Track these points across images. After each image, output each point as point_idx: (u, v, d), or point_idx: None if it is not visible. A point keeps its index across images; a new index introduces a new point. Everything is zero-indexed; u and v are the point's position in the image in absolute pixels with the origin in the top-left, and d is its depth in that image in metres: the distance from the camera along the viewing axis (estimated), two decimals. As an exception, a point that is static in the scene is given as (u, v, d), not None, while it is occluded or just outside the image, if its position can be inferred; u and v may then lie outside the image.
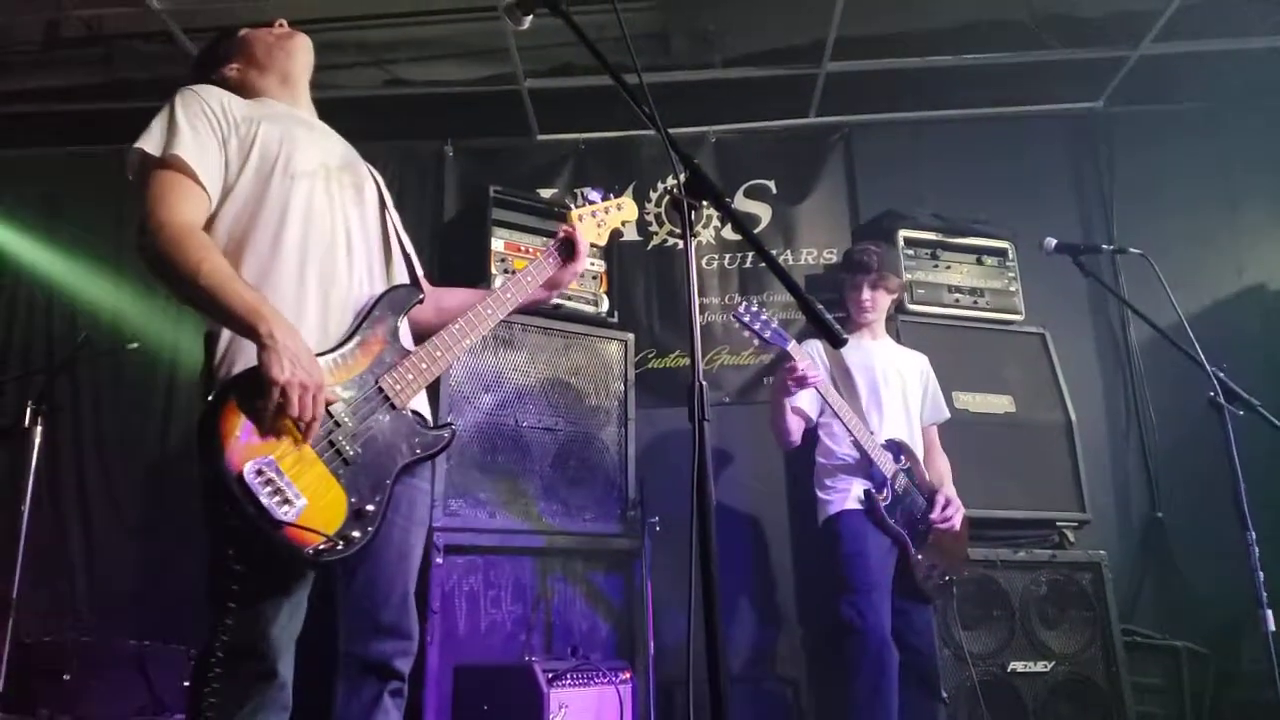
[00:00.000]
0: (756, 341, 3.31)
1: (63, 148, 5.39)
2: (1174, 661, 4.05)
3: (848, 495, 3.48)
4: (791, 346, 3.32)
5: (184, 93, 2.08)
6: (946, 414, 3.87)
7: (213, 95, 2.10)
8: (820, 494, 3.59)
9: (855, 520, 3.44)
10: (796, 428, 3.61)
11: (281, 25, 2.39)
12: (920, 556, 3.47)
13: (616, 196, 2.64)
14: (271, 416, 1.79)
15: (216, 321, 1.92)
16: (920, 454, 3.68)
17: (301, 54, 2.36)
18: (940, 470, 3.76)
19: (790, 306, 5.06)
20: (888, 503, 3.43)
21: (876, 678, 3.21)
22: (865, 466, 3.48)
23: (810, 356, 3.53)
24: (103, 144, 5.29)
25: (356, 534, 1.85)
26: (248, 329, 1.83)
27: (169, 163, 1.96)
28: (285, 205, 2.05)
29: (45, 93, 5.01)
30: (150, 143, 1.99)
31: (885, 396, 3.66)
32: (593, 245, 2.55)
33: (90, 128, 5.19)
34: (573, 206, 2.55)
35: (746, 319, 3.29)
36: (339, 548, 1.81)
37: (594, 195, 2.61)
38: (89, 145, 5.32)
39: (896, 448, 3.55)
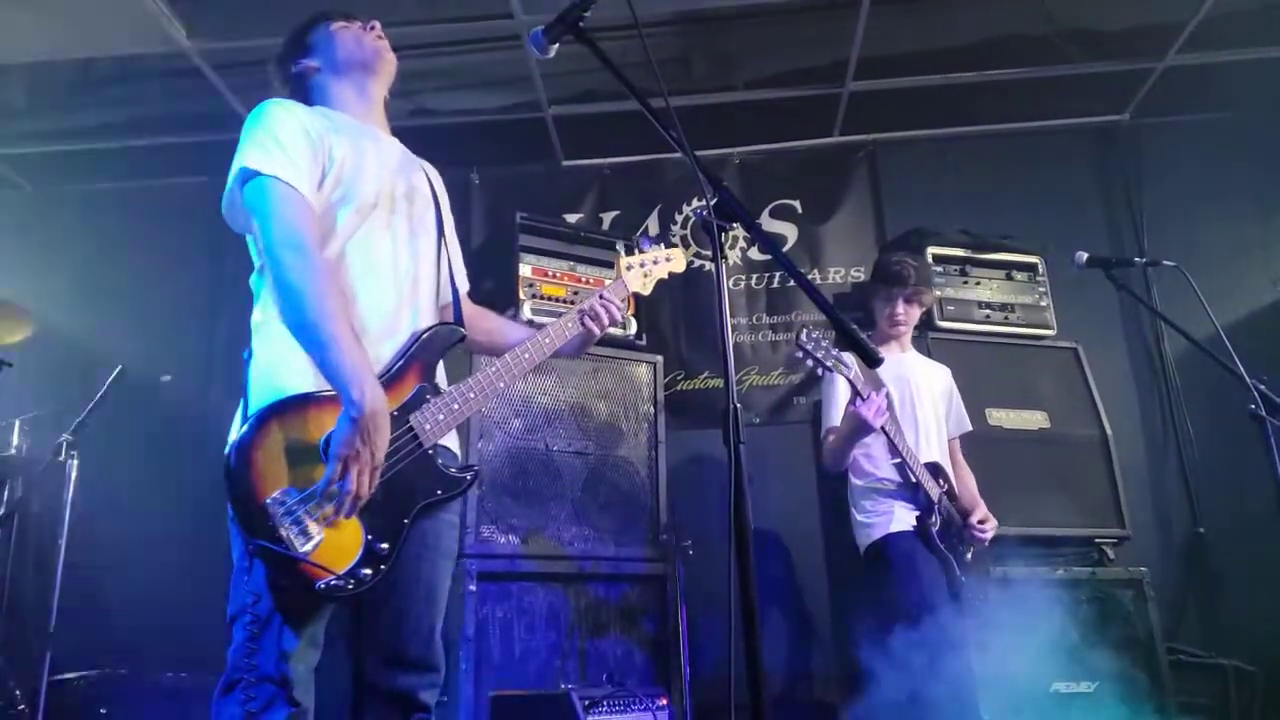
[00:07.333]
0: (820, 371, 3.07)
1: (94, 185, 5.48)
2: (1221, 680, 3.95)
3: (892, 517, 3.38)
4: (854, 375, 3.11)
5: (275, 109, 2.07)
6: (969, 426, 3.81)
7: (299, 113, 2.09)
8: (860, 516, 3.49)
9: (905, 542, 3.34)
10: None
11: (374, 29, 2.35)
12: (964, 579, 3.40)
13: (668, 246, 2.65)
14: (306, 453, 1.79)
15: (313, 358, 1.86)
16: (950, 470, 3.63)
17: (384, 78, 2.35)
18: (969, 485, 3.71)
19: (819, 325, 5.04)
20: (938, 528, 3.36)
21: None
22: (910, 490, 3.40)
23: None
24: (135, 180, 5.39)
25: (367, 572, 1.85)
26: (343, 386, 1.80)
27: (281, 179, 1.95)
28: (348, 238, 2.06)
29: (77, 131, 5.10)
30: (261, 161, 1.96)
31: (919, 412, 3.60)
32: (636, 293, 2.57)
33: (121, 164, 5.28)
34: (623, 253, 2.55)
35: (810, 346, 3.04)
36: (349, 586, 1.81)
37: (645, 244, 2.63)
38: (121, 181, 5.43)
39: (936, 469, 3.47)
